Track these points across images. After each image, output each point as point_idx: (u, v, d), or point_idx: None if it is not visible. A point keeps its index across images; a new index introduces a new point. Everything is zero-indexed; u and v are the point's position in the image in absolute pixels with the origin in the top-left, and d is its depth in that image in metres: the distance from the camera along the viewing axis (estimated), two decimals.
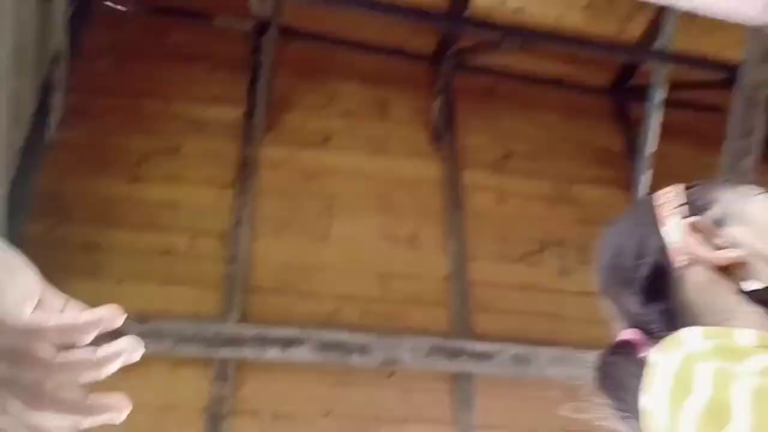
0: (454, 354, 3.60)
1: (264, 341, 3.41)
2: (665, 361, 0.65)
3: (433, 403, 3.69)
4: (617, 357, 0.79)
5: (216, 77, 4.23)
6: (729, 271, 0.74)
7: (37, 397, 0.54)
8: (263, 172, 4.04)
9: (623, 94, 4.82)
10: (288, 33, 4.25)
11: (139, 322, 3.22)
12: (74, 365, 0.56)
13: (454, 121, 4.45)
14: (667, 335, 0.72)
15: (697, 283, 0.75)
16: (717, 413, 0.55)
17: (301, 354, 3.43)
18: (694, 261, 0.76)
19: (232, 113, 4.15)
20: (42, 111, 3.84)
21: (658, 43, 4.29)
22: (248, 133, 4.10)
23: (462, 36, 4.39)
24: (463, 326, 3.84)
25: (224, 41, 4.30)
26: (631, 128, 4.68)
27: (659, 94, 4.12)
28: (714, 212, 0.79)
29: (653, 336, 0.76)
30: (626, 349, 0.79)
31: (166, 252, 3.69)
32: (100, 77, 4.06)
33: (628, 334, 0.80)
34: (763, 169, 3.57)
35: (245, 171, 3.99)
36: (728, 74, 3.94)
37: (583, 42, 4.32)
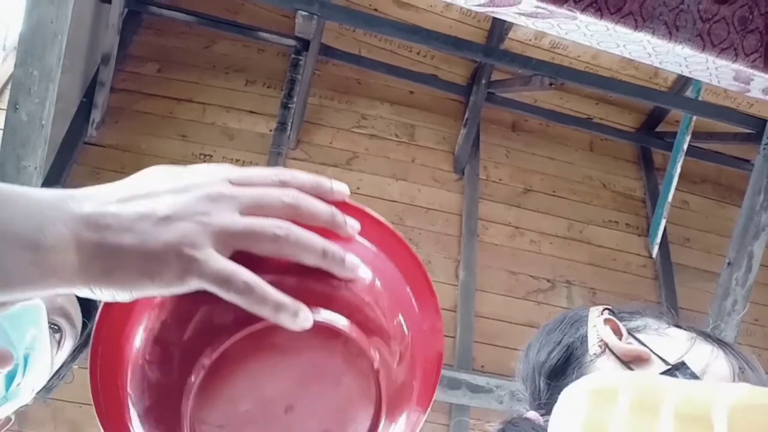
0: (454, 385, 3.59)
1: None
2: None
3: None
4: (520, 423, 0.84)
5: (252, 90, 4.35)
6: (635, 365, 0.80)
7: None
8: None
9: (649, 139, 4.80)
10: (326, 53, 4.35)
11: None
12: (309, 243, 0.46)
13: (477, 152, 4.50)
14: None
15: (603, 370, 0.80)
16: None
17: None
18: (605, 351, 0.82)
19: (264, 126, 4.27)
20: (85, 108, 4.00)
21: (689, 92, 4.30)
22: (277, 147, 4.20)
23: (495, 68, 4.43)
24: (465, 358, 3.87)
25: (264, 56, 4.42)
26: (652, 174, 4.68)
27: (684, 142, 4.12)
28: (633, 323, 0.86)
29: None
30: (527, 421, 0.84)
31: None
32: (142, 80, 4.21)
33: (531, 414, 0.85)
34: None
35: None
36: (755, 129, 3.95)
37: (614, 83, 4.32)
